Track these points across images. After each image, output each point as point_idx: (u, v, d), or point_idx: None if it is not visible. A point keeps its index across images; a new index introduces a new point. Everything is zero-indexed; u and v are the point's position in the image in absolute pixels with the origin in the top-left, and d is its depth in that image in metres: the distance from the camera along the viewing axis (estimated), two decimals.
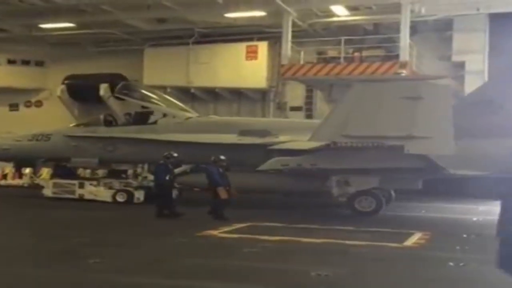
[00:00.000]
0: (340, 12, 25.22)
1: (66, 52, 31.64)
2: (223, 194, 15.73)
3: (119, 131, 20.76)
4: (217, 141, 18.78)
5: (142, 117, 21.37)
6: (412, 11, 23.67)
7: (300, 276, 8.79)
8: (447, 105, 15.36)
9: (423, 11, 24.25)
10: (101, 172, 24.72)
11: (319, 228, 14.19)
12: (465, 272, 9.47)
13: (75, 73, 30.89)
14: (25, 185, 27.26)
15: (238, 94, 28.93)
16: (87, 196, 20.29)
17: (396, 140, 15.23)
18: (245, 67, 27.93)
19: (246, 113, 27.72)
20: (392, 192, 19.11)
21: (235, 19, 26.29)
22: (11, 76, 32.34)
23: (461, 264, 9.89)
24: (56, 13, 26.83)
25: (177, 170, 21.31)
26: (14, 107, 33.79)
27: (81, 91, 30.38)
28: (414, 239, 12.67)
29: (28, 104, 33.62)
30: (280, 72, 26.51)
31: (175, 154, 16.76)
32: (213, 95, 29.21)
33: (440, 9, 24.42)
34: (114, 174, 22.20)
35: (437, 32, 25.77)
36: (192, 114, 21.83)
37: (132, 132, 20.51)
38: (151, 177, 21.39)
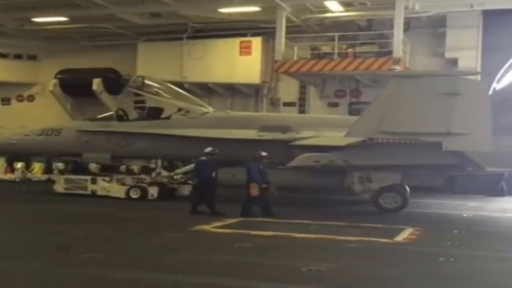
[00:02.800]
0: (334, 8, 25.19)
1: (59, 46, 31.53)
2: (254, 191, 15.34)
3: (133, 126, 20.28)
4: (238, 136, 18.54)
5: (155, 112, 20.87)
6: (406, 8, 23.69)
7: (292, 271, 8.82)
8: (485, 101, 15.20)
9: (416, 7, 24.28)
10: (93, 167, 24.63)
11: (311, 223, 14.23)
12: (455, 268, 9.54)
13: (68, 67, 30.79)
14: (17, 179, 27.14)
15: (231, 90, 28.90)
16: (100, 192, 19.79)
17: (434, 137, 15.13)
18: (239, 62, 27.89)
19: (239, 108, 27.68)
20: (407, 188, 18.95)
21: (229, 14, 26.21)
22: (3, 70, 32.15)
23: (451, 259, 9.96)
24: (49, 7, 26.70)
25: (189, 167, 21.19)
26: (6, 101, 33.68)
27: (73, 86, 30.30)
28: (405, 234, 12.74)
29: (20, 99, 33.49)
30: (273, 68, 26.52)
31: (217, 150, 16.36)
32: (207, 90, 29.14)
33: (434, 6, 24.44)
34: (107, 169, 22.04)
35: (431, 28, 25.79)
36: (208, 109, 21.31)
37: (146, 127, 20.02)
38: (165, 173, 21.12)
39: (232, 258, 9.85)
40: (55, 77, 30.91)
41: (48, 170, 27.78)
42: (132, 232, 12.70)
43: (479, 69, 24.28)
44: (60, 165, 27.59)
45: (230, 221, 14.32)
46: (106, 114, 21.61)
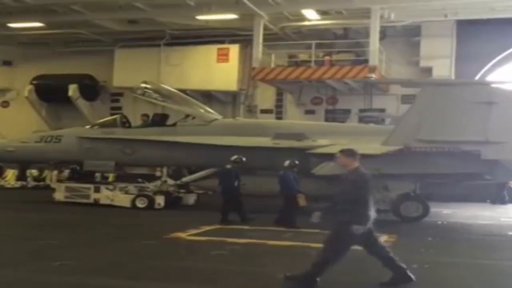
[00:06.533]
0: (311, 16, 25.40)
1: (35, 52, 31.21)
2: (302, 201, 14.94)
3: (138, 133, 19.62)
4: (253, 144, 18.02)
5: (160, 119, 20.28)
6: (381, 17, 23.98)
7: (267, 279, 8.85)
8: None
9: (392, 16, 24.57)
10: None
11: (287, 230, 14.26)
12: (429, 274, 9.61)
13: (43, 73, 30.52)
14: None
15: (208, 97, 28.88)
16: (103, 201, 18.93)
17: (472, 145, 15.14)
18: (216, 69, 27.93)
19: None
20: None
21: (206, 21, 26.24)
22: None
23: (425, 266, 10.05)
24: (25, 13, 26.39)
25: (196, 175, 20.90)
26: None
27: (49, 92, 30.05)
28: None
29: None
30: (251, 75, 26.60)
31: (244, 159, 16.21)
32: None
33: (409, 15, 24.78)
34: (80, 176, 21.62)
35: (406, 37, 26.21)
36: (217, 116, 20.75)
37: (152, 134, 19.36)
38: (171, 181, 20.53)
39: (207, 266, 9.83)
40: (31, 83, 30.62)
41: (21, 177, 27.45)
42: (107, 239, 12.61)
43: (453, 77, 24.73)
44: (34, 172, 27.35)
45: (206, 228, 14.27)
46: (108, 119, 21.03)
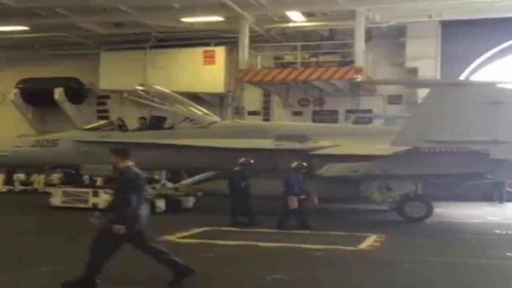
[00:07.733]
0: (296, 18, 25.46)
1: (20, 56, 30.87)
2: (292, 203, 14.88)
3: (136, 136, 19.26)
4: (255, 146, 17.86)
5: (158, 121, 20.02)
6: (366, 18, 24.11)
7: (256, 280, 8.87)
8: None
9: (377, 18, 24.72)
10: (56, 177, 24.18)
11: (277, 232, 14.31)
12: (419, 275, 9.67)
13: (29, 77, 30.30)
14: None
15: (195, 99, 28.74)
16: (102, 206, 18.36)
17: (481, 145, 15.15)
18: (202, 71, 27.88)
19: None
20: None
21: (192, 24, 26.21)
22: None
23: (415, 266, 10.12)
24: (9, 16, 26.16)
25: (195, 178, 20.66)
26: None
27: (35, 95, 29.86)
28: (369, 241, 12.88)
29: None
30: (237, 77, 26.62)
31: (252, 161, 16.24)
32: None
33: (394, 16, 24.94)
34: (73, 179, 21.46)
35: (391, 38, 26.34)
36: (216, 118, 20.61)
37: (151, 137, 19.09)
38: (169, 184, 20.36)
39: (196, 269, 9.81)
40: (16, 87, 30.38)
41: (8, 181, 27.22)
42: None
43: (438, 77, 24.91)
44: (21, 176, 27.16)
45: (195, 231, 14.25)
46: (105, 123, 20.77)
